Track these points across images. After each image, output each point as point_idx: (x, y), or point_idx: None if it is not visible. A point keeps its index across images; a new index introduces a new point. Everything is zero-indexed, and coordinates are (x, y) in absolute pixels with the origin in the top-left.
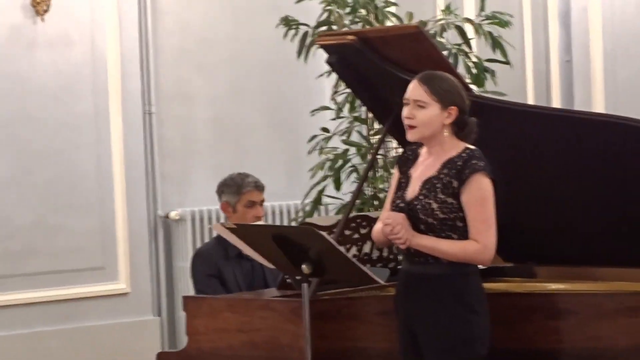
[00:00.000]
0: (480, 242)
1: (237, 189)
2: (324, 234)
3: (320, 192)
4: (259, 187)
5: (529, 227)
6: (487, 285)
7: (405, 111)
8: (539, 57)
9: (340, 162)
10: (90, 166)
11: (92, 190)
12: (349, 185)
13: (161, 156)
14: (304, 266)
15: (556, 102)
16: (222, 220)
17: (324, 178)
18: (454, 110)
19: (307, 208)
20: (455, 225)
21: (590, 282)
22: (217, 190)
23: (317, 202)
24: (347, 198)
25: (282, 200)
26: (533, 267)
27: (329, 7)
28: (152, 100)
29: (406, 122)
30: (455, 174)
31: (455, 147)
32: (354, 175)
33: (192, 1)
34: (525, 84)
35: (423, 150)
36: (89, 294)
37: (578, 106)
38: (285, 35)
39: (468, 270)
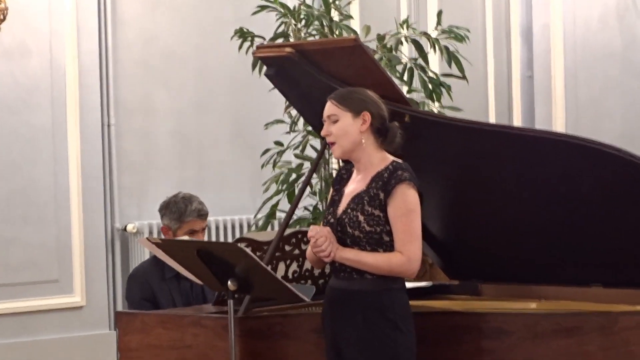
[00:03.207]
0: (405, 253)
1: (179, 216)
2: (248, 250)
3: (274, 206)
4: (202, 215)
5: (475, 244)
6: (426, 303)
7: (322, 131)
8: (500, 73)
9: (293, 176)
10: (47, 178)
11: (49, 202)
12: (303, 200)
13: (120, 169)
14: (229, 283)
15: (517, 119)
16: None
17: (278, 192)
18: (367, 116)
19: (261, 222)
20: (381, 240)
21: (535, 300)
22: (159, 209)
23: (270, 216)
24: (301, 212)
25: (245, 214)
26: (478, 284)
27: (284, 20)
28: (112, 112)
29: (327, 140)
30: (381, 185)
31: (383, 161)
32: (308, 189)
33: (155, 13)
34: (487, 100)
35: (355, 168)
36: (43, 307)
37: (539, 123)
38: (241, 47)
39: (392, 286)
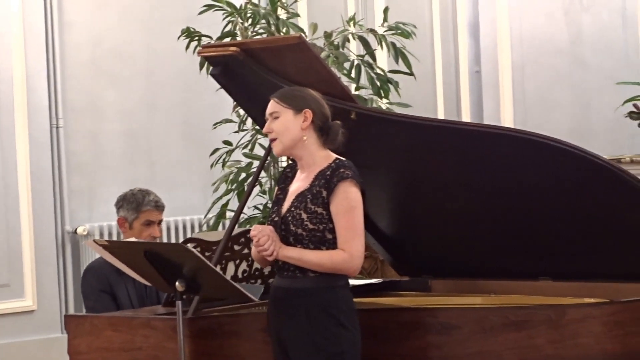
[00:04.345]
0: (347, 250)
1: (136, 206)
2: (195, 251)
3: (225, 206)
4: (159, 207)
5: (425, 240)
6: (376, 299)
7: (264, 128)
8: (448, 69)
9: (243, 175)
10: None
11: None
12: (253, 199)
13: (69, 171)
14: (177, 284)
15: (466, 114)
16: None
17: (228, 192)
18: (308, 113)
19: (212, 222)
20: (324, 237)
21: (485, 295)
22: (116, 203)
23: (221, 216)
24: (251, 212)
25: (195, 214)
26: (428, 280)
27: (231, 19)
28: (60, 114)
29: (269, 137)
30: (324, 183)
31: (326, 159)
32: (257, 188)
33: (102, 14)
34: (435, 95)
35: (299, 167)
36: None
37: (487, 118)
38: (188, 47)
39: (335, 283)
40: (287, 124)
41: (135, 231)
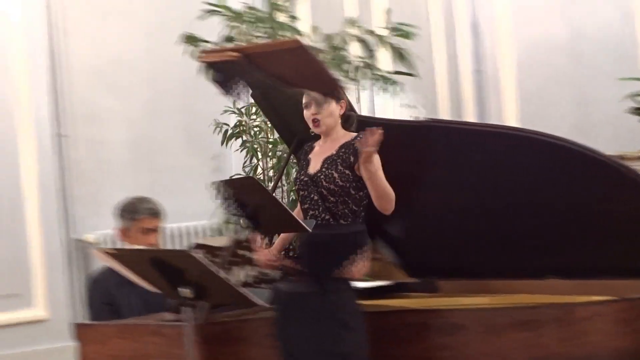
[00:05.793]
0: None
1: (131, 215)
2: (200, 257)
3: None
4: (155, 214)
5: (432, 242)
6: (385, 302)
7: (310, 111)
8: (450, 68)
9: None
10: (0, 191)
11: (3, 215)
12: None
13: (74, 179)
14: (184, 290)
15: (469, 113)
16: None
17: None
18: (344, 103)
19: (221, 227)
20: (350, 193)
21: (492, 295)
22: (113, 212)
23: (226, 221)
24: None
25: (200, 220)
26: (436, 282)
27: (231, 23)
28: (64, 122)
29: (312, 117)
30: (352, 151)
31: (347, 135)
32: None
33: (104, 21)
34: (436, 95)
35: (318, 142)
36: (5, 321)
37: (491, 117)
38: (188, 52)
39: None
40: (332, 110)
41: (133, 240)
